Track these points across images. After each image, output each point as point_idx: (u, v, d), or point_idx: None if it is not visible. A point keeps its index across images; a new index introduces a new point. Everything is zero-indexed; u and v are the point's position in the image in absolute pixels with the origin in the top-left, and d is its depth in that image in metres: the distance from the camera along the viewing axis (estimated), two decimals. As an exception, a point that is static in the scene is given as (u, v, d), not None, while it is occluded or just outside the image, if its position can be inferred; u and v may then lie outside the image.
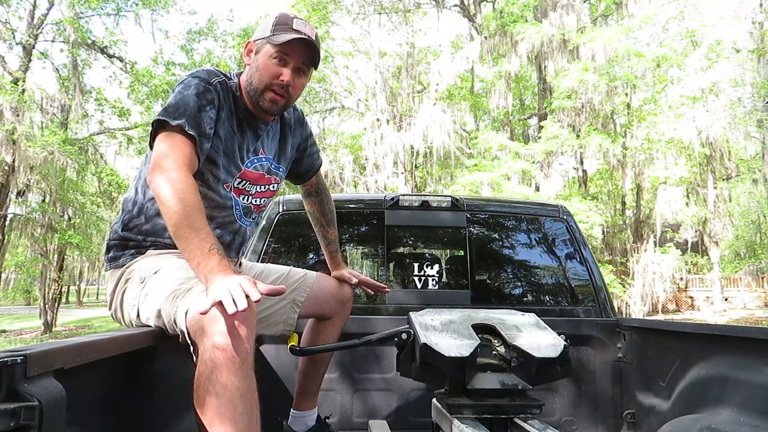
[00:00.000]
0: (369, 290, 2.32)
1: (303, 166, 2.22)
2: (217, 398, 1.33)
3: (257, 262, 2.59)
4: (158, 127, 1.69)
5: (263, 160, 1.98)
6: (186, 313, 1.48)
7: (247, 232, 2.03)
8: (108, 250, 1.88)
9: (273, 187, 2.06)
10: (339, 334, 2.24)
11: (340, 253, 2.37)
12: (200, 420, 1.36)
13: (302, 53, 1.82)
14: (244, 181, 1.92)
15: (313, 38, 1.83)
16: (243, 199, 1.95)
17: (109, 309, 1.88)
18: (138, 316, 1.72)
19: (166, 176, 1.57)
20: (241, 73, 1.93)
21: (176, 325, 1.55)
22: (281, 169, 2.08)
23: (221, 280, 1.39)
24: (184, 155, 1.64)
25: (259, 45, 1.84)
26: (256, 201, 2.00)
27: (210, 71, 1.83)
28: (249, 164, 1.92)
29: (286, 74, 1.81)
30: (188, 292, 1.54)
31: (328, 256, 2.36)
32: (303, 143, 2.19)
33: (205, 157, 1.75)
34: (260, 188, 2.00)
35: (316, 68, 1.91)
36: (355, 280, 2.26)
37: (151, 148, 1.72)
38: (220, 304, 1.34)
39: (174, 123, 1.66)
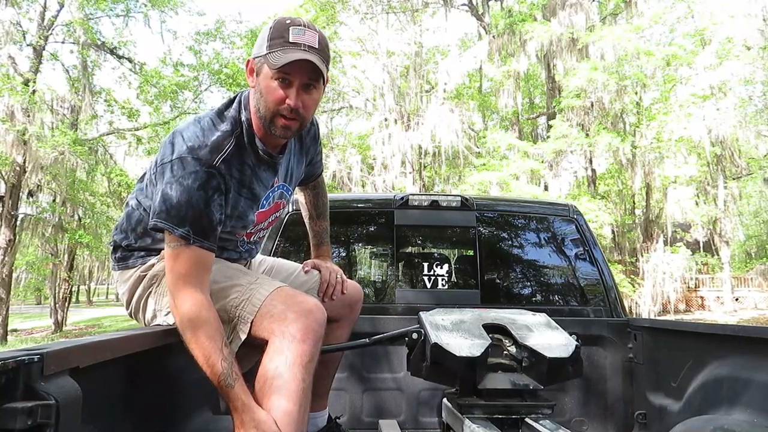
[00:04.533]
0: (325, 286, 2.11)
1: (305, 175, 2.17)
2: (286, 387, 1.44)
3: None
4: (163, 230, 1.60)
5: (276, 189, 1.89)
6: (257, 312, 1.60)
7: (251, 251, 2.06)
8: (115, 250, 1.89)
9: (280, 213, 2.01)
10: (348, 337, 2.21)
11: (326, 246, 2.30)
12: (262, 404, 1.47)
13: (305, 69, 1.59)
14: (258, 225, 1.89)
15: (316, 46, 1.60)
16: (253, 237, 1.95)
17: (127, 308, 1.90)
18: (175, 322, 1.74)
19: (174, 302, 1.58)
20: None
21: (233, 332, 1.64)
22: (290, 190, 2.01)
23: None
24: (193, 266, 1.58)
25: (259, 65, 1.64)
26: (262, 234, 2.00)
27: (214, 145, 1.61)
28: (264, 201, 1.83)
29: (292, 97, 1.61)
30: (250, 298, 1.64)
31: (312, 246, 2.32)
32: (314, 158, 2.13)
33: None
34: (271, 219, 1.96)
35: (326, 79, 1.67)
36: (307, 269, 2.14)
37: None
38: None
39: (177, 233, 1.56)
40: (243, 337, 1.60)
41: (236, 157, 1.67)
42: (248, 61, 1.70)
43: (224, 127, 1.68)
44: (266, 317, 1.57)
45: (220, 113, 1.73)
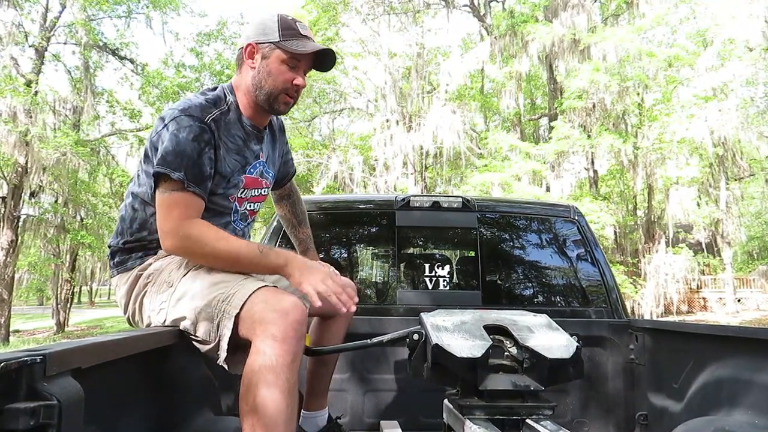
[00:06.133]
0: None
1: (280, 173, 2.24)
2: (270, 387, 1.45)
3: None
4: (159, 178, 1.72)
5: (260, 164, 1.99)
6: (239, 313, 1.59)
7: (245, 231, 2.07)
8: (113, 256, 1.90)
9: (264, 191, 2.07)
10: (345, 332, 2.24)
11: (313, 252, 2.38)
12: (248, 405, 1.46)
13: (311, 59, 1.87)
14: (245, 189, 1.94)
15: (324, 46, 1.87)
16: (243, 206, 1.97)
17: (125, 313, 1.90)
18: (165, 320, 1.74)
19: (181, 235, 1.70)
20: (234, 79, 1.93)
21: (218, 329, 1.62)
22: (271, 174, 2.09)
23: (311, 272, 1.71)
24: (189, 208, 1.72)
25: (266, 49, 1.83)
26: (251, 206, 2.02)
27: (203, 106, 1.79)
28: (251, 169, 1.94)
29: (300, 79, 1.86)
30: (235, 293, 1.63)
31: (300, 254, 2.33)
32: (285, 154, 2.24)
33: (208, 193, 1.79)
34: (255, 192, 2.00)
35: (327, 70, 1.96)
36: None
37: (154, 192, 1.75)
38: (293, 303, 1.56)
39: (175, 176, 1.69)
40: (228, 333, 1.59)
41: (224, 124, 1.83)
42: (249, 44, 1.85)
43: (210, 98, 1.84)
44: (248, 317, 1.57)
45: (204, 93, 1.89)
